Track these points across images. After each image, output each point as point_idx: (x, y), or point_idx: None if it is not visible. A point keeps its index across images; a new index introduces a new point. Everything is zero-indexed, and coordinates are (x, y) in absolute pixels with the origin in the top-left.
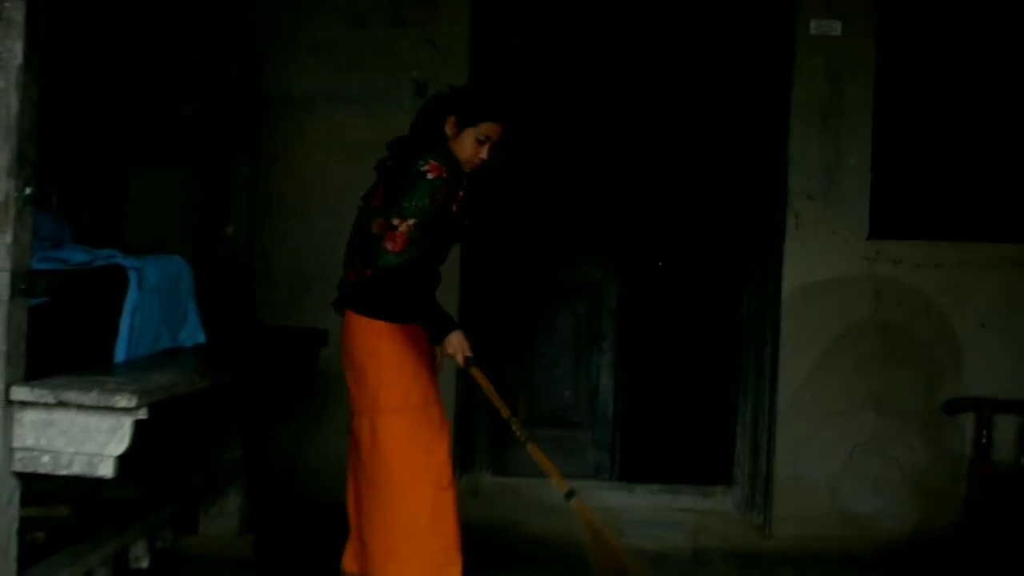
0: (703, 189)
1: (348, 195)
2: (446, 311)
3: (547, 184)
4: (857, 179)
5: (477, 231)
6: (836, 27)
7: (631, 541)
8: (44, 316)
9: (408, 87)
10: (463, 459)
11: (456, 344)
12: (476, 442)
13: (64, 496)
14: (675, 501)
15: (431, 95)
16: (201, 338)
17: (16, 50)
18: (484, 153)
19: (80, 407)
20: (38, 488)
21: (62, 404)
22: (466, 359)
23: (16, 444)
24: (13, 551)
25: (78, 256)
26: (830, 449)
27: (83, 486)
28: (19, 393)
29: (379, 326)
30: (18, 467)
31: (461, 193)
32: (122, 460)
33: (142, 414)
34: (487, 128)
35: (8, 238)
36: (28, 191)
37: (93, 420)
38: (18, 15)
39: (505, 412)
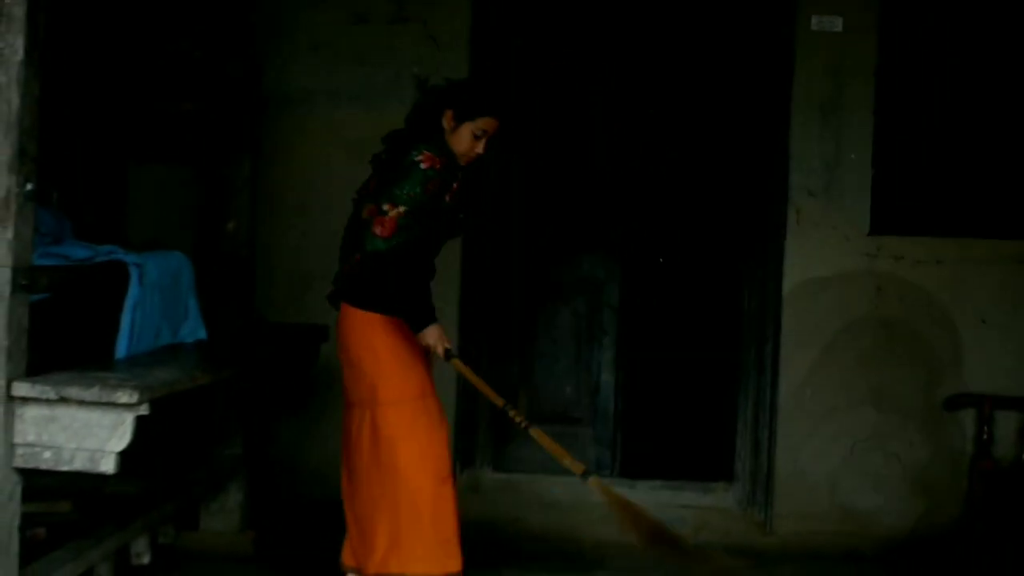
0: (704, 186)
1: (348, 192)
2: (432, 305)
3: (548, 182)
4: (858, 175)
5: (477, 228)
6: (837, 23)
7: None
8: (45, 312)
9: (409, 84)
10: (463, 455)
11: (435, 336)
12: (476, 438)
13: (65, 492)
14: (676, 497)
15: (427, 88)
16: (202, 334)
17: (17, 46)
18: (480, 147)
19: (81, 403)
20: (39, 484)
21: (63, 400)
22: (446, 351)
23: (17, 440)
24: (15, 547)
25: (79, 252)
26: (831, 445)
27: (84, 482)
28: (20, 389)
29: (374, 318)
30: (19, 463)
31: (455, 185)
32: (123, 456)
33: (143, 410)
34: (484, 123)
35: (9, 234)
36: (29, 187)
37: (95, 416)
38: (19, 11)
39: (499, 401)
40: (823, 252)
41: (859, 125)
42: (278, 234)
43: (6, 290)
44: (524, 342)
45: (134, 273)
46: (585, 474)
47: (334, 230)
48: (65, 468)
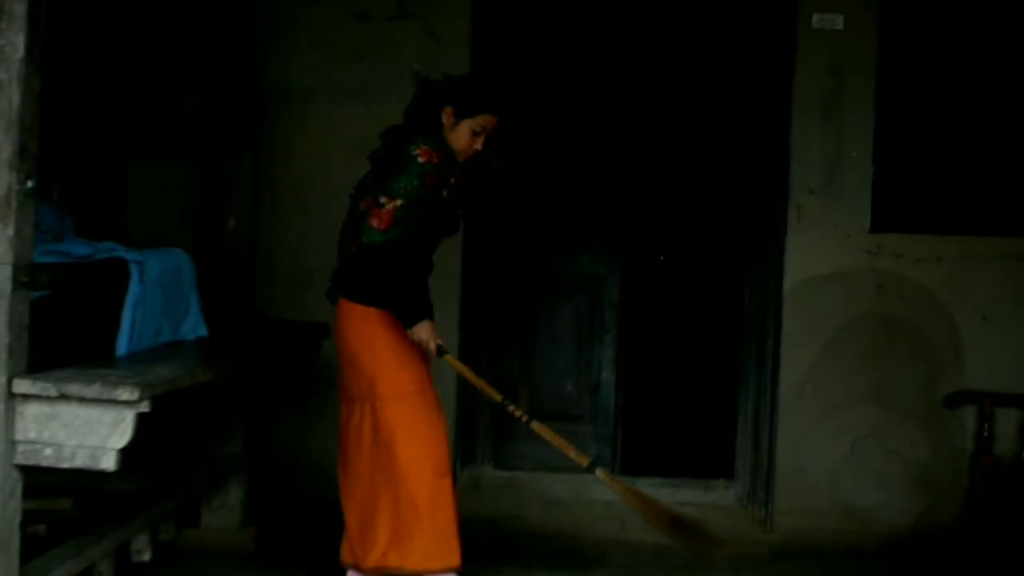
0: (704, 183)
1: (348, 190)
2: (429, 301)
3: (548, 179)
4: (859, 173)
5: (478, 225)
6: (838, 20)
7: (633, 534)
8: (46, 309)
9: (409, 81)
10: (464, 452)
11: (427, 332)
12: (477, 435)
13: (66, 489)
14: (676, 494)
15: (423, 81)
16: (203, 331)
17: (18, 43)
18: (479, 144)
19: (82, 400)
20: (40, 481)
21: (64, 397)
22: (438, 347)
23: (18, 437)
24: (15, 544)
25: (80, 249)
26: (831, 442)
27: (85, 479)
28: (21, 386)
29: (371, 313)
30: (20, 460)
31: (452, 180)
32: (124, 453)
33: (144, 407)
34: (484, 120)
35: (10, 231)
36: (30, 184)
37: (95, 413)
38: (20, 8)
39: (497, 397)
40: (823, 249)
41: (860, 123)
42: (278, 231)
43: (7, 287)
44: (524, 339)
45: (135, 270)
46: (591, 466)
47: (334, 228)
48: (66, 465)
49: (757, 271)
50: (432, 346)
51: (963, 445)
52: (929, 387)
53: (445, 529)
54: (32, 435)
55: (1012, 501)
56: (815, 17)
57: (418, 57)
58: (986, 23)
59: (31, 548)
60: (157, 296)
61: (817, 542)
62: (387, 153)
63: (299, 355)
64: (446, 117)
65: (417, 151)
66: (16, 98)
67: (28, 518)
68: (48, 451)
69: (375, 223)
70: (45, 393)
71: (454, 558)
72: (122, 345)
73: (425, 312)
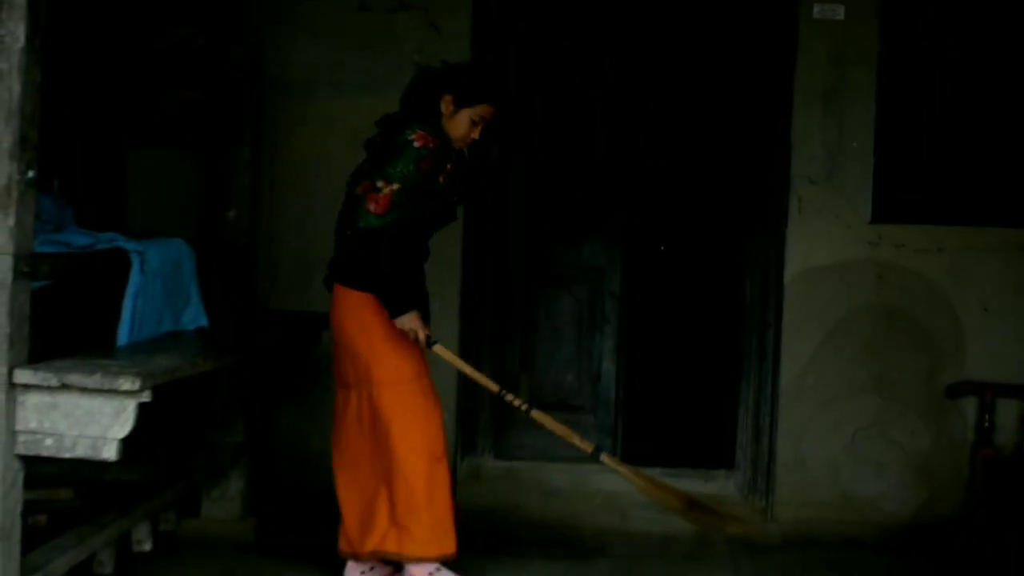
0: (705, 173)
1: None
2: (425, 290)
3: (549, 169)
4: (860, 163)
5: (479, 216)
6: (839, 11)
7: (634, 524)
8: (47, 299)
9: (410, 72)
10: (464, 442)
11: (416, 321)
12: (477, 425)
13: (67, 479)
14: (677, 485)
15: (420, 68)
16: (203, 321)
17: (19, 33)
18: (476, 133)
19: (83, 390)
20: (41, 471)
21: (65, 387)
22: (426, 338)
23: (19, 427)
24: (17, 534)
25: (80, 239)
26: (832, 433)
27: (86, 469)
28: (22, 376)
29: (367, 300)
30: (21, 450)
31: (449, 166)
32: (125, 443)
33: (145, 397)
34: (483, 110)
35: (11, 221)
36: (31, 174)
37: (96, 403)
38: None
39: (494, 388)
40: (824, 240)
41: (861, 113)
42: (279, 222)
43: (8, 277)
44: (525, 330)
45: (135, 260)
46: (596, 452)
47: (334, 218)
48: (67, 455)
49: (758, 262)
50: (421, 336)
51: (964, 436)
52: (930, 378)
53: (442, 516)
54: (33, 425)
55: (1013, 492)
56: (816, 7)
57: (419, 49)
58: (987, 14)
59: (32, 538)
60: (158, 286)
61: (818, 532)
62: (383, 140)
63: (300, 345)
64: (445, 105)
65: (413, 136)
66: (17, 88)
67: (29, 508)
68: (49, 441)
69: (372, 207)
70: (46, 383)
71: (450, 545)
72: (123, 335)
73: (414, 302)
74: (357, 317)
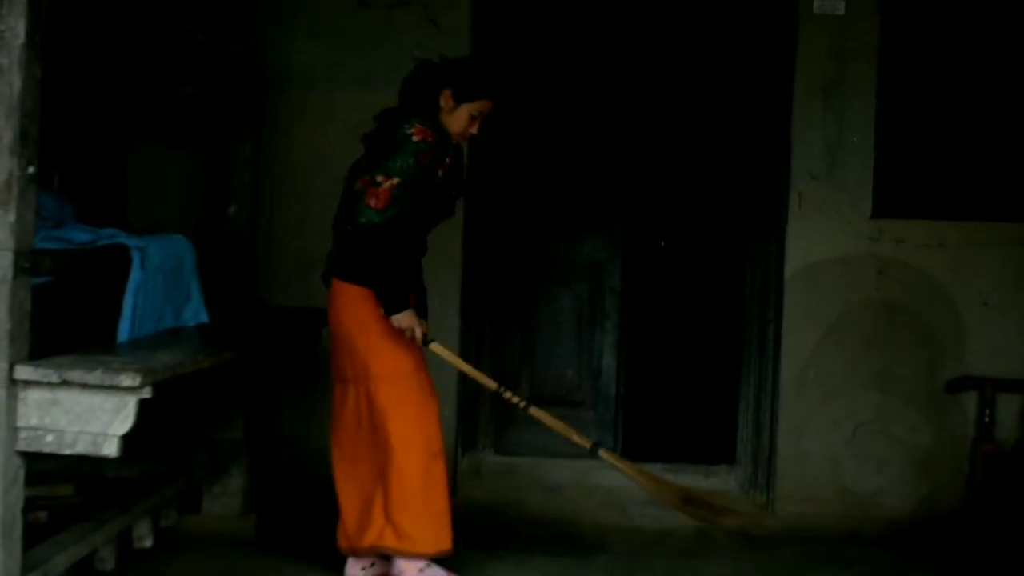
0: (706, 169)
1: None
2: (420, 285)
3: (549, 164)
4: (860, 158)
5: (479, 212)
6: (839, 6)
7: (634, 520)
8: (47, 295)
9: (409, 67)
10: (465, 438)
11: (411, 320)
12: (478, 421)
13: (67, 475)
14: (677, 480)
15: (418, 63)
16: (204, 317)
17: (19, 28)
18: (475, 128)
19: (84, 386)
20: (41, 467)
21: (66, 383)
22: (423, 336)
23: (20, 423)
24: (18, 530)
25: (81, 236)
26: (833, 428)
27: (86, 465)
28: (23, 372)
29: (365, 294)
30: (22, 446)
31: (448, 160)
32: (126, 439)
33: (146, 393)
34: (482, 105)
35: (11, 217)
36: (31, 170)
37: (97, 399)
38: None
39: (492, 385)
40: (825, 235)
41: (861, 108)
42: (279, 218)
43: (9, 273)
44: (525, 325)
45: (136, 257)
46: (594, 448)
47: (334, 214)
48: (68, 452)
49: (758, 257)
50: (418, 333)
51: (964, 431)
52: (930, 373)
53: (438, 512)
54: (34, 421)
55: (1013, 487)
56: (816, 2)
57: (419, 44)
58: (987, 8)
59: (33, 534)
60: (159, 282)
61: (818, 527)
62: (380, 135)
63: (301, 341)
64: (444, 100)
65: (412, 130)
66: (17, 84)
67: (30, 504)
68: (50, 437)
69: (372, 202)
70: (47, 379)
71: (447, 540)
72: (124, 331)
73: (407, 302)
74: (355, 312)
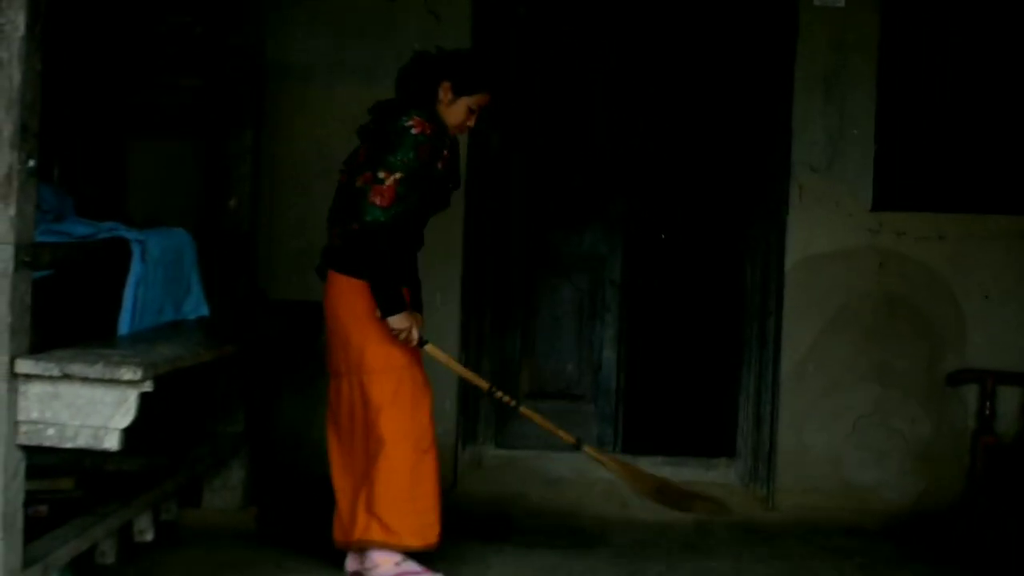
0: (706, 161)
1: None
2: (415, 278)
3: (549, 157)
4: (861, 150)
5: (479, 204)
6: None
7: (634, 512)
8: (48, 289)
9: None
10: (465, 432)
11: (407, 322)
12: (479, 415)
13: (68, 469)
14: (678, 473)
15: (416, 54)
16: (204, 311)
17: (19, 21)
18: (472, 121)
19: (85, 380)
20: (42, 461)
21: (67, 377)
22: (419, 338)
23: (21, 417)
24: (19, 524)
25: (81, 229)
26: (833, 421)
27: (87, 459)
28: (24, 366)
29: (362, 286)
30: (23, 440)
31: (445, 152)
32: (126, 433)
33: (147, 387)
34: (482, 98)
35: (12, 210)
36: (31, 163)
37: (98, 393)
38: None
39: (484, 385)
40: (825, 228)
41: (862, 100)
42: (279, 211)
43: (9, 267)
44: (526, 318)
45: (136, 250)
46: (577, 444)
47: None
48: (69, 445)
49: (759, 249)
50: (415, 335)
51: (965, 423)
52: (931, 365)
53: (425, 507)
54: (35, 415)
55: (1013, 479)
56: None
57: (419, 35)
58: (988, 1)
59: (33, 528)
60: (159, 275)
61: (819, 520)
62: (377, 127)
63: (301, 335)
64: (443, 92)
65: (411, 122)
66: (17, 77)
67: (30, 498)
68: (51, 431)
69: (377, 200)
70: (48, 373)
71: (433, 535)
72: (124, 324)
73: (404, 303)
74: (351, 303)
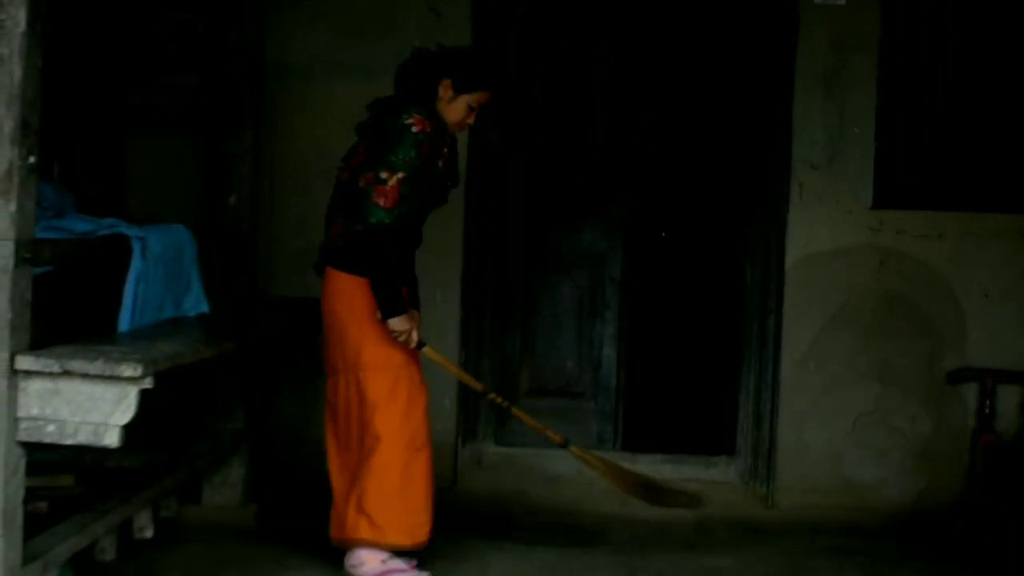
0: (706, 159)
1: None
2: (412, 276)
3: (549, 155)
4: (861, 149)
5: (479, 202)
6: None
7: (634, 511)
8: (48, 285)
9: None
10: (466, 429)
11: (407, 324)
12: (479, 412)
13: (68, 466)
14: (678, 471)
15: (415, 51)
16: (204, 308)
17: (19, 17)
18: (472, 119)
19: (85, 376)
20: (42, 458)
21: (67, 373)
22: (418, 340)
23: (21, 413)
24: (19, 520)
25: (81, 226)
26: (833, 419)
27: (87, 456)
28: (24, 362)
29: (360, 283)
30: (23, 436)
31: (445, 150)
32: (127, 430)
33: (147, 383)
34: (482, 96)
35: (12, 207)
36: (32, 160)
37: (98, 389)
38: None
39: (479, 387)
40: (825, 226)
41: (862, 98)
42: (279, 208)
43: (9, 263)
44: (526, 316)
45: (136, 246)
46: (564, 443)
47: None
48: (69, 442)
49: (759, 247)
50: (414, 337)
51: (965, 422)
52: (931, 364)
53: (416, 506)
54: (35, 412)
55: (1013, 478)
56: None
57: (419, 35)
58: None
59: (33, 525)
60: (159, 272)
61: (819, 518)
62: (376, 125)
63: (301, 332)
64: (443, 90)
65: (411, 120)
66: (18, 73)
67: (30, 495)
68: (51, 428)
69: (381, 201)
70: (48, 369)
71: (423, 534)
72: (124, 321)
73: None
74: (349, 300)
